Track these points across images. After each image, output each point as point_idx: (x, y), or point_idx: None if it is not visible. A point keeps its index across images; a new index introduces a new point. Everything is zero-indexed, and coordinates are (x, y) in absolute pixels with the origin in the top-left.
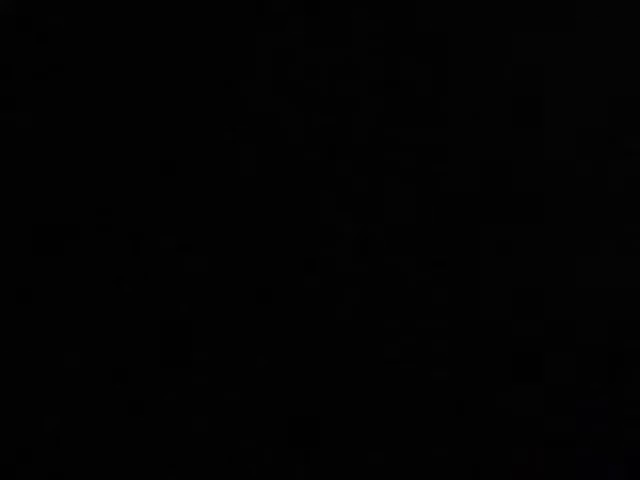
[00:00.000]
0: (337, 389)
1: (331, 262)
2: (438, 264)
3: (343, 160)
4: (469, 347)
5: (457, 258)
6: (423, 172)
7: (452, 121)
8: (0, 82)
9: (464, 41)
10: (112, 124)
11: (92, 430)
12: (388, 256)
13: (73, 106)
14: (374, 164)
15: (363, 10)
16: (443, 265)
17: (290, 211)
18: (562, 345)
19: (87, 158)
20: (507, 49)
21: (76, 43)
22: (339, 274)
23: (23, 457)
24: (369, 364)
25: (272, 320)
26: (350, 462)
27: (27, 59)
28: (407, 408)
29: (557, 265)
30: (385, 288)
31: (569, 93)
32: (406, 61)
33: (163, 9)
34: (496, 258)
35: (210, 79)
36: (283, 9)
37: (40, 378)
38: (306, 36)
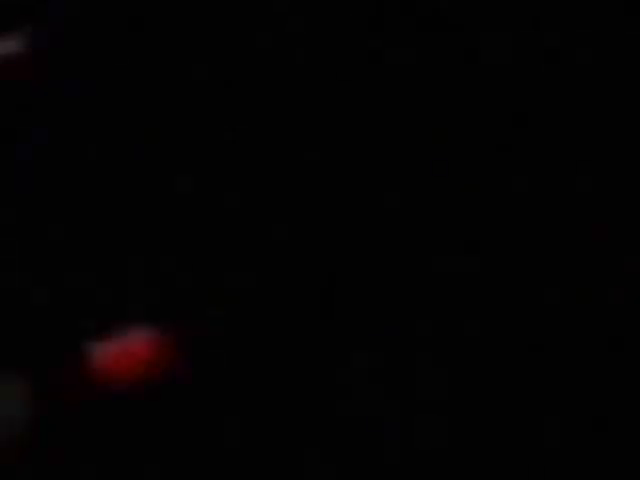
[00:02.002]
0: None
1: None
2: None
3: (344, 159)
4: None
5: None
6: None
7: None
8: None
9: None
10: (111, 125)
11: None
12: None
13: (73, 106)
14: (374, 168)
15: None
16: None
17: (289, 211)
18: None
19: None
20: None
21: (77, 44)
22: None
23: None
24: None
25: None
26: None
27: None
28: None
29: None
30: None
31: None
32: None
33: (164, 8)
34: None
35: (210, 78)
36: (283, 9)
37: None
38: (306, 36)
